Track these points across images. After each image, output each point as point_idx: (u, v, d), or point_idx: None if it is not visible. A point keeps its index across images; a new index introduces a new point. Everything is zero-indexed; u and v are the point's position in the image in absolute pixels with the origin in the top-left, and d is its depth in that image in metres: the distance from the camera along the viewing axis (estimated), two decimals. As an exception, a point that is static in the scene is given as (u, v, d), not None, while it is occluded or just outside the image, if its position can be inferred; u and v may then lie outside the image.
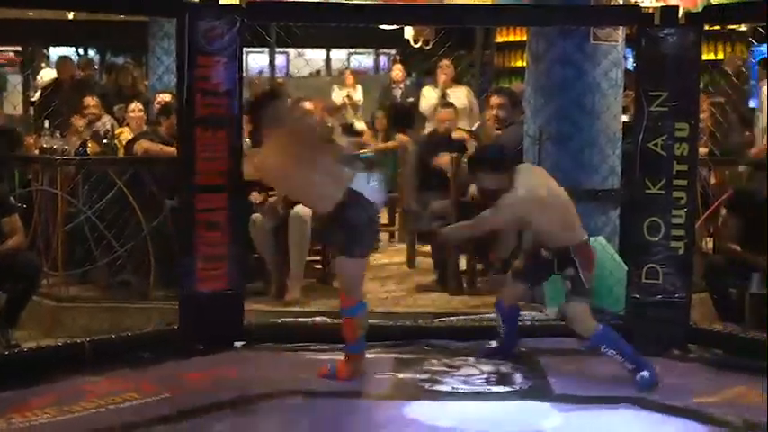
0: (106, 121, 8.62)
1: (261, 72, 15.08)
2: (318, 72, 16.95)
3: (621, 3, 6.86)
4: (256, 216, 6.94)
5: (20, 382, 5.09)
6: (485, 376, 5.45)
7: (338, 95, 11.95)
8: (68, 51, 15.27)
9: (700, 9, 7.71)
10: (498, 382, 5.36)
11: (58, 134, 8.08)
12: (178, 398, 5.00)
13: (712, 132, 7.71)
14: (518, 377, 5.44)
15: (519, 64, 13.20)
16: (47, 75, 12.49)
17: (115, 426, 4.59)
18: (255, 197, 6.97)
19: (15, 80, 15.21)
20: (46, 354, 5.48)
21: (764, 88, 10.50)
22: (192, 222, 5.86)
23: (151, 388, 5.10)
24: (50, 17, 11.79)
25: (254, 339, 6.01)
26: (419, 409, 4.92)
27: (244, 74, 6.05)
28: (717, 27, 11.58)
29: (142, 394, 5.00)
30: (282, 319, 6.38)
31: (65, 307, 6.70)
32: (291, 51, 16.79)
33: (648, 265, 6.01)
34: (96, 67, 13.93)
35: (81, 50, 16.04)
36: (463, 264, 7.41)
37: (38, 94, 11.30)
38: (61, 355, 5.49)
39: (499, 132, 7.44)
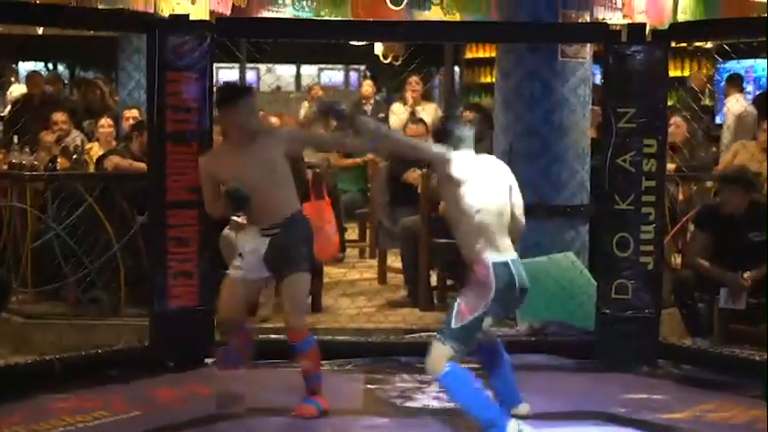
0: (76, 137, 8.57)
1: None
2: (279, 88, 16.95)
3: (589, 20, 6.91)
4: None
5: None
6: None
7: (308, 111, 11.95)
8: (38, 66, 15.23)
9: (666, 26, 7.82)
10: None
11: (27, 150, 8.03)
12: (149, 416, 4.98)
13: (679, 148, 7.78)
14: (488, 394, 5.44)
15: (488, 80, 13.28)
16: (17, 90, 12.43)
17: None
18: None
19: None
20: (15, 371, 5.44)
21: (729, 104, 10.64)
22: (163, 238, 5.84)
23: (121, 406, 5.08)
24: (20, 32, 11.72)
25: (225, 356, 5.98)
26: (390, 426, 4.93)
27: (214, 89, 6.04)
28: (683, 44, 11.70)
29: (112, 412, 4.99)
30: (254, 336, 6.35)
31: (34, 324, 6.64)
32: (262, 67, 16.80)
33: (618, 281, 6.06)
34: (66, 82, 13.88)
35: (50, 65, 15.98)
36: (434, 279, 7.42)
37: (7, 109, 11.22)
38: (30, 372, 5.46)
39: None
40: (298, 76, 18.72)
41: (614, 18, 9.18)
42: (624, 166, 6.03)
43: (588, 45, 6.71)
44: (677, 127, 7.94)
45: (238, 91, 5.20)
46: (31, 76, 10.74)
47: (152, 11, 8.32)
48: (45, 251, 6.91)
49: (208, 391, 5.40)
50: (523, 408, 4.94)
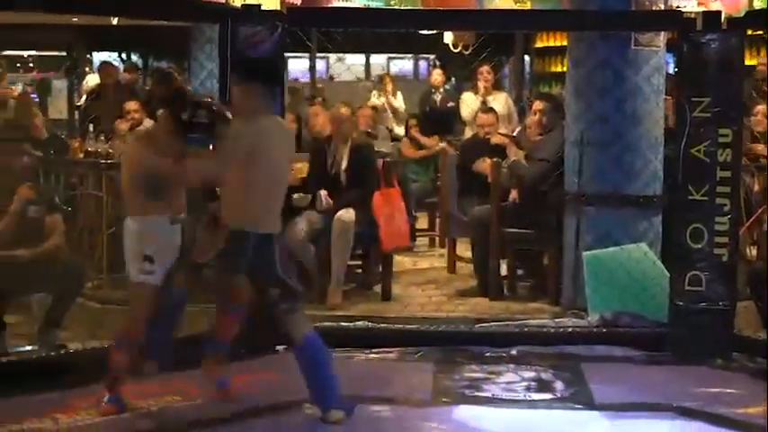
0: (148, 125, 8.67)
1: (296, 79, 15.18)
2: (332, 78, 16.98)
3: (663, 8, 6.81)
4: (294, 222, 6.97)
5: (65, 382, 5.15)
6: (525, 383, 5.44)
7: (378, 101, 11.95)
8: (112, 56, 15.43)
9: (742, 14, 7.67)
10: (539, 390, 5.35)
11: (102, 138, 8.16)
12: (221, 401, 5.02)
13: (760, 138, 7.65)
14: (559, 384, 5.43)
15: (559, 69, 13.16)
16: (92, 80, 12.60)
17: (154, 429, 4.62)
18: (299, 198, 7.02)
19: (60, 85, 15.38)
20: (91, 355, 5.52)
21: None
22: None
23: (194, 391, 5.13)
24: (94, 23, 11.89)
25: (295, 343, 6.02)
26: (459, 416, 4.92)
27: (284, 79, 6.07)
28: (760, 32, 11.47)
29: (185, 397, 5.04)
30: (323, 324, 6.38)
31: (109, 309, 6.74)
32: (332, 56, 16.83)
33: (691, 272, 5.97)
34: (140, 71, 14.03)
35: (124, 55, 16.19)
36: (504, 269, 7.39)
37: (83, 99, 11.40)
38: (106, 357, 5.53)
39: (541, 137, 7.42)
40: (367, 65, 18.71)
41: (689, 6, 9.05)
42: (698, 156, 5.94)
43: (662, 33, 6.62)
44: (763, 116, 7.82)
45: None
46: (104, 67, 10.89)
47: (224, 1, 8.40)
48: (120, 237, 7.00)
49: (278, 379, 5.44)
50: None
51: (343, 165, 7.12)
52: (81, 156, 8.00)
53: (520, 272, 7.54)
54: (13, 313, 6.09)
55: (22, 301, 6.17)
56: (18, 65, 16.56)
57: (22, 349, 5.80)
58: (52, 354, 5.55)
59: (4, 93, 9.51)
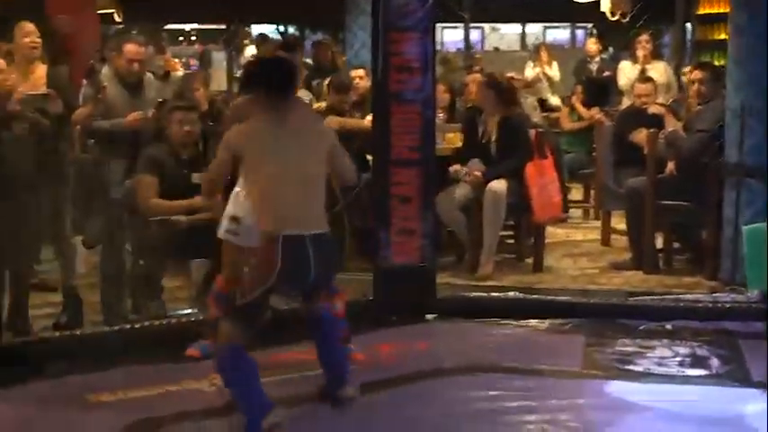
0: (304, 96, 8.81)
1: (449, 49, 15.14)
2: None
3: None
4: (446, 191, 6.98)
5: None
6: (679, 359, 5.31)
7: (533, 71, 11.83)
8: (269, 29, 15.73)
9: None
10: (694, 365, 5.22)
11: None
12: (369, 368, 5.09)
13: None
14: (715, 361, 5.28)
15: (722, 36, 12.73)
16: (251, 52, 12.87)
17: (301, 394, 4.70)
18: (456, 170, 7.02)
19: (220, 57, 15.78)
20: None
21: None
22: (387, 196, 5.94)
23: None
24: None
25: (445, 313, 6.06)
26: (609, 389, 4.86)
27: (437, 49, 6.07)
28: None
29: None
30: (474, 294, 6.39)
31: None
32: (486, 26, 16.74)
33: None
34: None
35: (281, 28, 16.48)
36: (660, 242, 7.24)
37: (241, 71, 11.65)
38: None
39: (700, 107, 7.21)
40: (523, 34, 18.54)
41: None
42: None
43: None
44: None
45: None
46: (260, 40, 11.09)
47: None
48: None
49: (427, 347, 5.48)
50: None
51: (494, 135, 7.08)
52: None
53: (676, 245, 7.36)
54: (172, 278, 6.31)
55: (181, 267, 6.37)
56: (181, 38, 17.08)
57: (180, 312, 5.99)
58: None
59: (170, 66, 9.81)
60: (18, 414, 4.50)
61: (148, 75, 6.23)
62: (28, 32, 5.75)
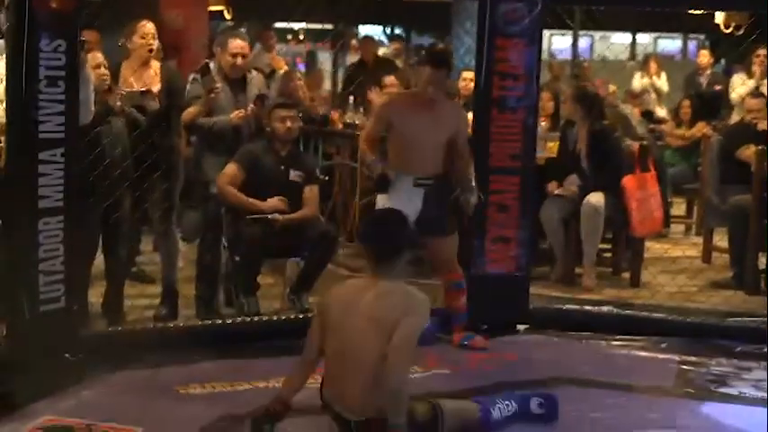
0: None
1: (553, 55, 14.96)
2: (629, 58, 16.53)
3: None
4: (547, 203, 6.92)
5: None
6: (777, 383, 5.17)
7: (641, 82, 11.64)
8: (376, 30, 15.79)
9: None
10: (791, 390, 5.07)
11: (361, 110, 8.37)
12: (456, 375, 5.06)
13: None
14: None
15: None
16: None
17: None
18: (553, 187, 6.95)
19: (325, 57, 15.89)
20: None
21: None
22: (485, 203, 5.90)
23: (433, 362, 5.19)
24: (360, -3, 12.21)
25: (537, 324, 5.99)
26: (701, 410, 4.74)
27: (543, 56, 6.00)
28: None
29: (423, 367, 5.10)
30: (567, 306, 6.31)
31: (357, 277, 6.90)
32: (596, 34, 16.53)
33: None
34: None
35: (388, 29, 16.53)
36: (764, 262, 7.04)
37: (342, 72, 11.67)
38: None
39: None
40: (633, 44, 18.25)
41: None
42: None
43: None
44: None
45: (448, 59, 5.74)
46: (364, 41, 11.08)
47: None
48: (372, 208, 7.17)
49: (516, 358, 5.43)
50: None
51: (583, 148, 7.00)
52: (340, 127, 8.24)
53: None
54: (267, 275, 6.37)
55: (276, 264, 6.42)
56: (289, 36, 17.25)
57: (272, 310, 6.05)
58: (300, 317, 5.74)
59: (276, 64, 9.91)
60: (109, 401, 4.59)
61: (253, 72, 6.28)
62: (146, 33, 5.84)
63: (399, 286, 3.92)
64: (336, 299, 4.01)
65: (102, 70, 5.48)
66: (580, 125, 7.06)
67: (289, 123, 5.93)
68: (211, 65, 6.03)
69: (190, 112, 5.88)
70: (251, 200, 5.80)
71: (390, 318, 3.77)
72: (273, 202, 5.81)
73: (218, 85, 5.86)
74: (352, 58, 11.21)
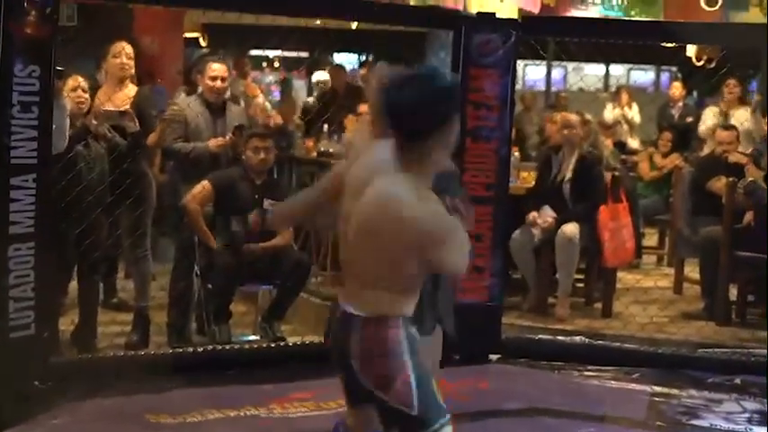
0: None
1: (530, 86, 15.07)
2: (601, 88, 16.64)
3: None
4: (517, 233, 6.93)
5: (283, 374, 5.32)
6: (747, 415, 5.19)
7: (612, 113, 11.72)
8: (350, 58, 15.85)
9: None
10: (761, 423, 5.09)
11: (335, 138, 8.38)
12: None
13: None
14: (784, 418, 5.14)
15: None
16: (317, 76, 12.86)
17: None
18: (534, 217, 6.97)
19: (299, 85, 15.95)
20: (310, 350, 5.67)
21: None
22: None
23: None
24: (335, 26, 12.24)
25: (509, 354, 6.00)
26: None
27: (518, 86, 6.03)
28: None
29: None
30: (540, 336, 6.32)
31: (330, 306, 6.88)
32: (569, 65, 16.65)
33: None
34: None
35: (362, 57, 16.61)
36: (734, 293, 7.09)
37: (311, 99, 11.49)
38: (324, 352, 5.66)
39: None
40: (606, 75, 18.41)
41: None
42: None
43: None
44: None
45: None
46: (333, 70, 11.04)
47: (460, 8, 8.45)
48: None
49: (488, 387, 5.42)
50: None
51: (568, 175, 7.02)
52: (314, 155, 8.24)
53: (751, 298, 7.20)
54: (239, 303, 6.35)
55: (249, 293, 6.40)
56: (264, 64, 17.27)
57: (244, 339, 6.02)
58: (272, 345, 5.73)
59: (250, 90, 9.88)
60: (79, 430, 4.55)
61: (233, 106, 6.28)
62: (119, 53, 5.85)
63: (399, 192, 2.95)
64: (353, 177, 3.10)
65: (80, 92, 5.47)
66: (568, 152, 7.08)
67: (262, 155, 5.93)
68: (182, 95, 6.04)
69: (151, 137, 5.90)
70: (206, 231, 5.81)
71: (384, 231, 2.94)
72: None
73: (179, 109, 5.91)
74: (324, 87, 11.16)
